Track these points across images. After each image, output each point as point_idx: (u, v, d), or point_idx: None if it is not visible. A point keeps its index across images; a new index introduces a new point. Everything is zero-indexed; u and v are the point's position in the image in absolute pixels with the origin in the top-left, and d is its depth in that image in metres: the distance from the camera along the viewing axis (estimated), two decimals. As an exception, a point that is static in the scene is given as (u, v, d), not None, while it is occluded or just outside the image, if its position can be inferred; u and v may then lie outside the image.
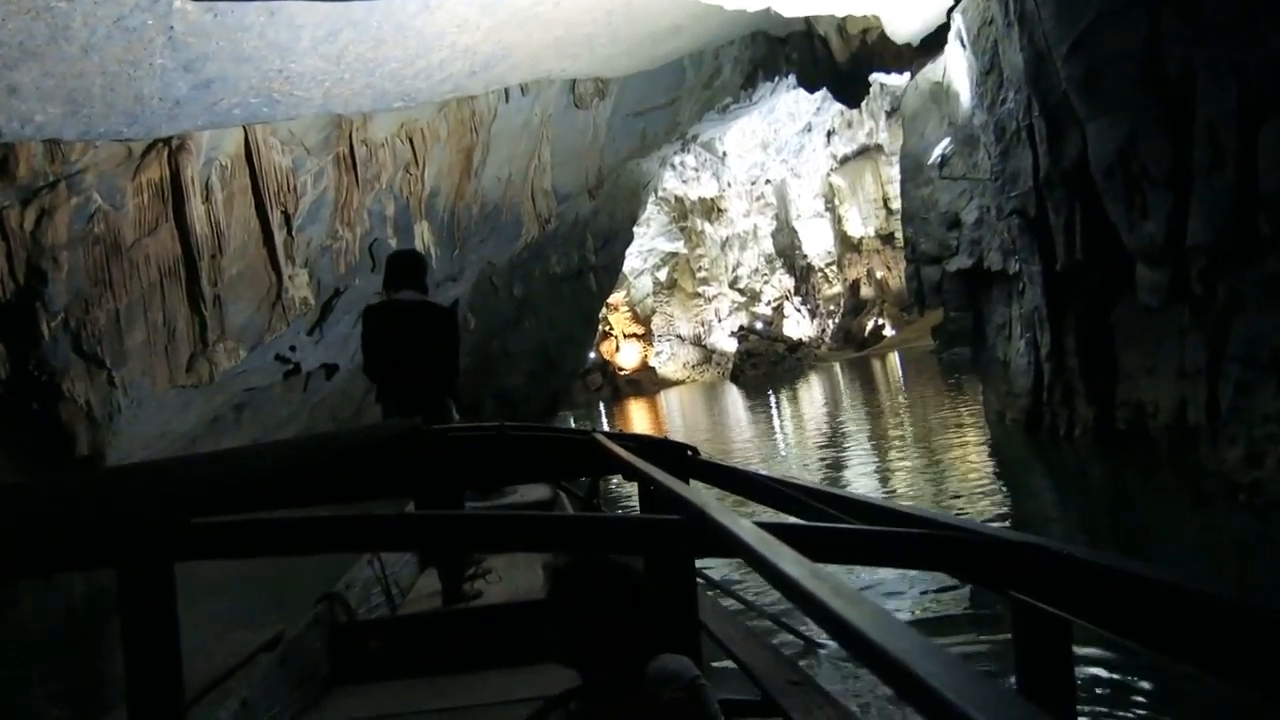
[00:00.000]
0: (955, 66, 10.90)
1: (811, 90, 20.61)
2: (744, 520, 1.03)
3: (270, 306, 13.37)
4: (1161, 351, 7.85)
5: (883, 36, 12.84)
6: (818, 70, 18.07)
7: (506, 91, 15.78)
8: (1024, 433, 10.46)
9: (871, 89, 42.42)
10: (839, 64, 16.16)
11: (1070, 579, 0.99)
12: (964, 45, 10.15)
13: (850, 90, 17.84)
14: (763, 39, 20.80)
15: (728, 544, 1.00)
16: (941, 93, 11.30)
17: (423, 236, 15.62)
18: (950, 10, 10.82)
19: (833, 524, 1.39)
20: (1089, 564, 0.97)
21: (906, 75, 13.92)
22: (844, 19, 14.42)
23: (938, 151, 10.74)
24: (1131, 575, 0.90)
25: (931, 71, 11.47)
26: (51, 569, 1.65)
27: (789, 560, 0.79)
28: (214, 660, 3.11)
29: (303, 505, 2.28)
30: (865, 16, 13.16)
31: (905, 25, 11.71)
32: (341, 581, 4.01)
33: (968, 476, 9.63)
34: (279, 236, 13.21)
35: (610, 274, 25.82)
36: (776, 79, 22.33)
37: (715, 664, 2.92)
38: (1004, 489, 8.96)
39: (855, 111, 46.91)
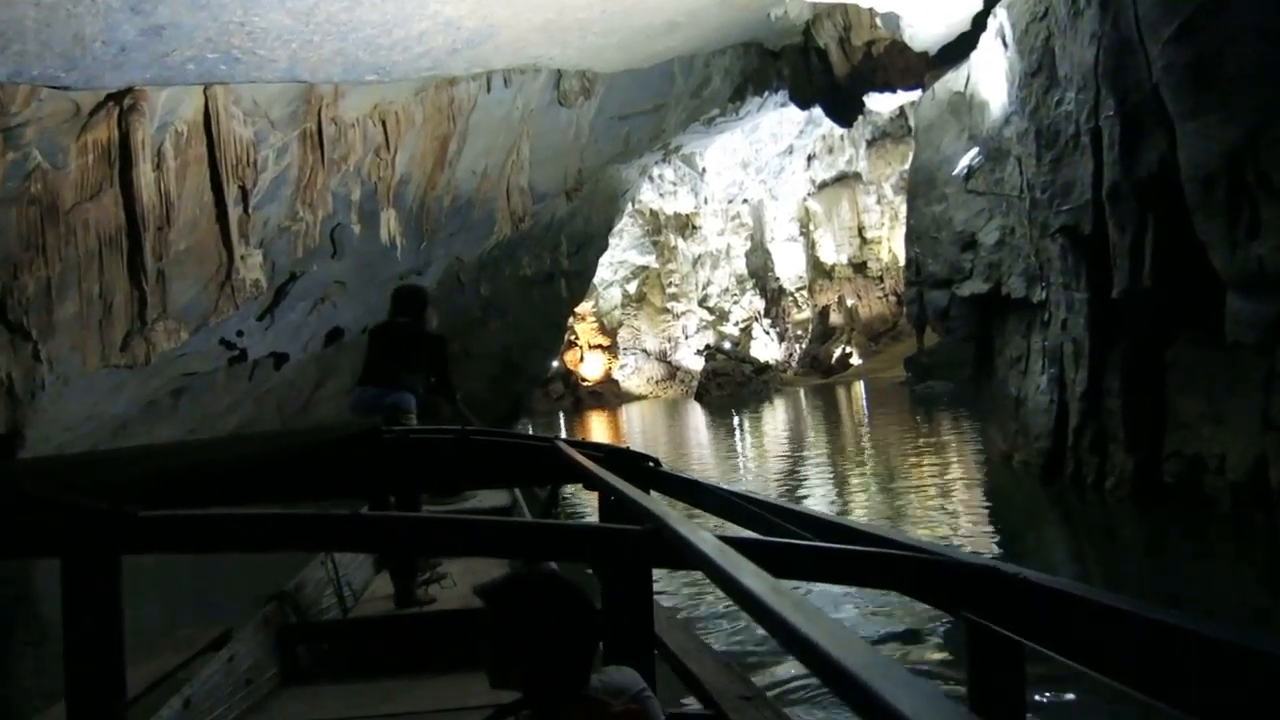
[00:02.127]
0: (986, 71, 10.16)
1: (804, 107, 20.05)
2: (704, 532, 1.03)
3: (219, 287, 12.45)
4: (1235, 399, 6.95)
5: (891, 48, 12.25)
6: (811, 87, 17.50)
7: (488, 80, 15.10)
8: (1037, 479, 9.40)
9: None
10: (837, 79, 15.59)
11: (1024, 602, 1.01)
12: (1005, 45, 9.36)
13: (845, 109, 17.29)
14: (755, 52, 20.37)
15: (687, 556, 0.99)
16: (963, 103, 10.57)
17: (389, 225, 14.80)
18: (989, 7, 9.95)
19: (792, 540, 1.39)
20: (1043, 588, 0.99)
21: (905, 94, 13.37)
22: (849, 30, 13.83)
23: (965, 161, 9.94)
24: (1085, 601, 0.93)
25: (953, 81, 10.75)
26: None
27: (749, 574, 0.79)
28: (159, 658, 3.09)
29: (257, 502, 2.25)
30: (874, 27, 12.56)
31: (927, 29, 11.07)
32: (292, 582, 3.95)
33: (963, 525, 8.75)
34: (234, 213, 12.35)
35: (582, 280, 25.08)
36: (766, 94, 21.88)
37: (668, 675, 2.87)
38: (1009, 540, 8.04)
39: (837, 137, 46.99)
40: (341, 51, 10.42)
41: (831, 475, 13.11)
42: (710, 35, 16.42)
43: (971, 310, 10.70)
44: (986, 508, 9.52)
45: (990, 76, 10.13)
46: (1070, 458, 8.88)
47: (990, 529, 8.55)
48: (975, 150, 9.85)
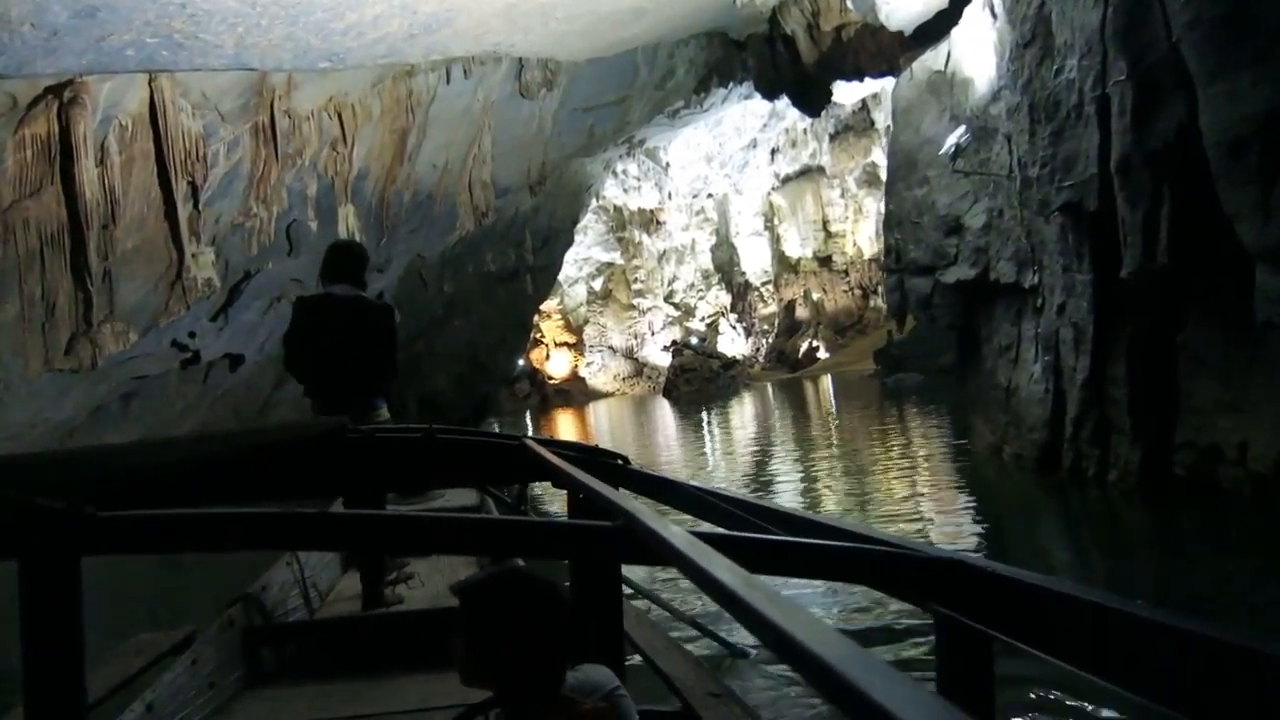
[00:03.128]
0: (970, 48, 9.72)
1: (770, 98, 19.81)
2: (676, 527, 1.03)
3: (169, 286, 11.94)
4: (1258, 384, 6.50)
5: (863, 31, 11.98)
6: (778, 76, 17.24)
7: (448, 71, 14.74)
8: (1031, 472, 8.97)
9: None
10: (805, 67, 15.32)
11: (994, 595, 1.01)
12: (994, 16, 8.97)
13: (812, 98, 17.05)
14: (719, 42, 20.15)
15: (659, 551, 1.00)
16: (943, 82, 10.21)
17: (347, 221, 14.37)
18: None
19: (763, 535, 1.39)
20: (1013, 581, 0.99)
21: (874, 82, 13.11)
22: (817, 15, 13.55)
23: (951, 141, 9.52)
24: (1054, 593, 0.93)
25: (932, 60, 10.42)
26: None
27: (723, 568, 0.79)
28: (121, 661, 3.09)
29: (220, 502, 2.20)
30: (845, 11, 12.29)
31: (905, 7, 10.76)
32: (258, 583, 3.91)
33: (954, 522, 8.34)
34: (183, 209, 11.85)
35: (548, 277, 24.72)
36: (730, 85, 21.70)
37: (637, 673, 2.89)
38: (1003, 537, 7.60)
39: (800, 131, 46.95)
40: (291, 36, 9.97)
41: (809, 473, 12.69)
42: (676, 23, 16.14)
43: (956, 297, 10.25)
44: (976, 504, 9.09)
45: (975, 52, 9.74)
46: (1069, 449, 8.42)
47: (982, 526, 8.14)
48: (962, 129, 9.45)
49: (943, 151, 9.69)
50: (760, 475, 13.04)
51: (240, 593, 3.69)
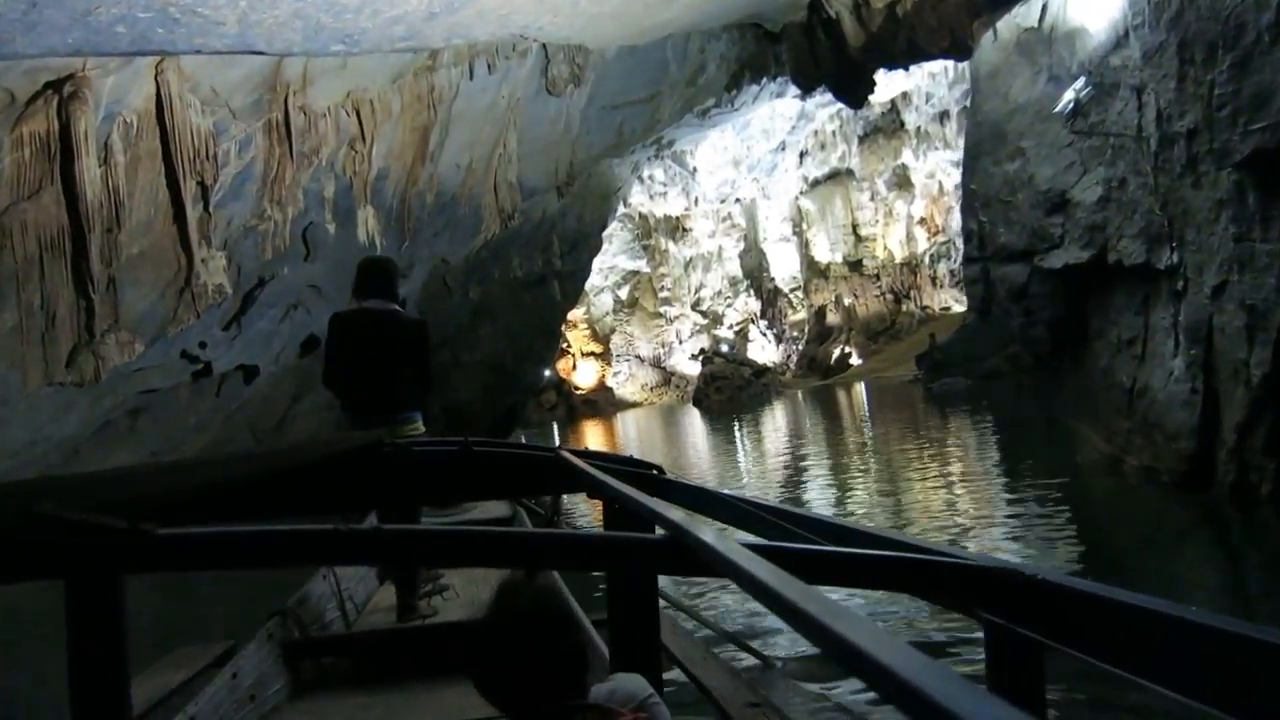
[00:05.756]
0: None
1: (807, 90, 18.91)
2: (732, 540, 1.02)
3: (177, 293, 11.22)
4: None
5: (921, 4, 10.98)
6: (816, 66, 16.35)
7: (471, 66, 14.05)
8: (1171, 489, 7.57)
9: (845, 112, 41.99)
10: (849, 52, 14.39)
11: (1043, 603, 1.02)
12: None
13: (854, 87, 16.12)
14: (752, 36, 19.40)
15: (714, 563, 0.99)
16: (1038, 39, 9.02)
17: (366, 224, 13.64)
18: None
19: (809, 545, 1.40)
20: (1062, 588, 1.00)
21: (925, 65, 12.09)
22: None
23: (1068, 96, 8.33)
24: (1104, 600, 0.94)
25: (1022, 16, 9.42)
26: None
27: (781, 580, 0.80)
28: (161, 674, 3.32)
29: (257, 518, 2.24)
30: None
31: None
32: (294, 597, 3.99)
33: (1072, 547, 6.95)
34: (192, 212, 11.14)
35: (575, 283, 23.91)
36: (763, 81, 20.94)
37: (675, 684, 2.91)
38: (1141, 571, 6.22)
39: (829, 134, 46.18)
40: (300, 14, 9.19)
41: (887, 495, 10.85)
42: (710, 9, 15.29)
43: (1060, 285, 8.93)
44: (1095, 528, 7.66)
45: (1091, -3, 8.24)
46: (1228, 461, 6.98)
47: (1108, 557, 6.81)
48: (1081, 81, 8.18)
49: (1059, 108, 8.48)
50: (819, 497, 11.62)
51: (277, 607, 3.75)
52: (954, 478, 11.27)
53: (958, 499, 9.79)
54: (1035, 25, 9.16)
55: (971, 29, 10.11)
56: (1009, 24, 9.49)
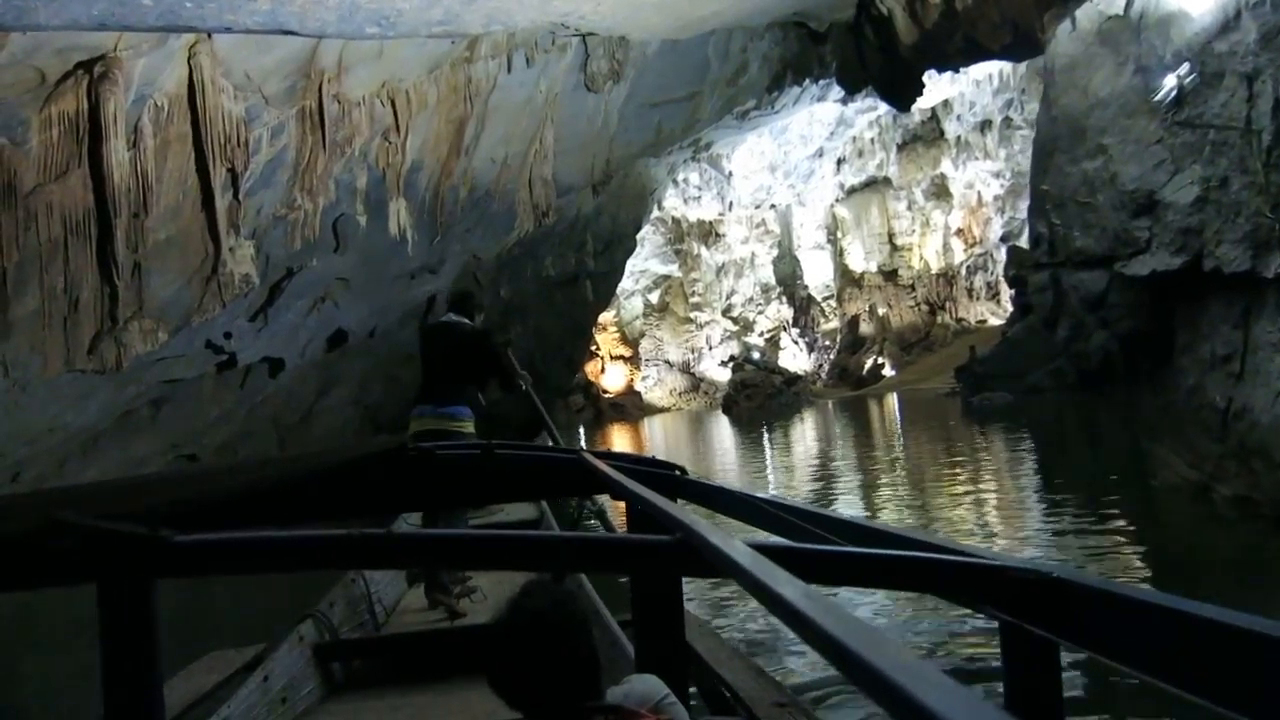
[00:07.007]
0: None
1: (852, 92, 18.44)
2: (736, 541, 1.02)
3: (203, 282, 10.96)
4: None
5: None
6: (863, 67, 15.87)
7: (509, 59, 13.75)
8: (1272, 524, 6.89)
9: (884, 118, 41.39)
10: (899, 51, 13.90)
11: (1059, 602, 1.00)
12: None
13: (903, 89, 15.61)
14: (795, 37, 18.99)
15: (719, 565, 1.00)
16: (1124, 28, 8.49)
17: (398, 216, 13.34)
18: None
19: (823, 545, 1.39)
20: (1078, 586, 0.98)
21: (982, 66, 11.58)
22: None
23: (1169, 83, 7.77)
24: (1128, 599, 0.91)
25: (1105, 4, 8.84)
26: (28, 584, 1.47)
27: (782, 582, 0.79)
28: (194, 677, 3.39)
29: (286, 523, 2.24)
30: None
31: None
32: (324, 600, 4.05)
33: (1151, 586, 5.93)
34: (221, 199, 10.88)
35: (608, 283, 23.55)
36: (806, 82, 20.51)
37: (701, 684, 2.92)
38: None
39: (867, 140, 45.56)
40: (335, -6, 8.91)
41: (943, 518, 9.74)
42: (757, 2, 14.86)
43: (1144, 295, 8.25)
44: (1181, 565, 6.84)
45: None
46: None
47: (1204, 595, 5.67)
48: (1186, 67, 7.55)
49: (1158, 98, 7.90)
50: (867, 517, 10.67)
51: (307, 610, 3.81)
52: (1007, 497, 10.42)
53: (1038, 530, 8.73)
54: (1121, 13, 8.52)
55: (1042, 21, 9.52)
56: (1089, 13, 8.88)
